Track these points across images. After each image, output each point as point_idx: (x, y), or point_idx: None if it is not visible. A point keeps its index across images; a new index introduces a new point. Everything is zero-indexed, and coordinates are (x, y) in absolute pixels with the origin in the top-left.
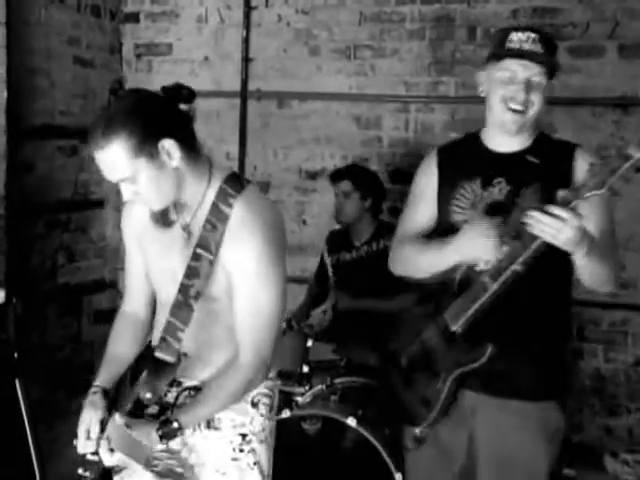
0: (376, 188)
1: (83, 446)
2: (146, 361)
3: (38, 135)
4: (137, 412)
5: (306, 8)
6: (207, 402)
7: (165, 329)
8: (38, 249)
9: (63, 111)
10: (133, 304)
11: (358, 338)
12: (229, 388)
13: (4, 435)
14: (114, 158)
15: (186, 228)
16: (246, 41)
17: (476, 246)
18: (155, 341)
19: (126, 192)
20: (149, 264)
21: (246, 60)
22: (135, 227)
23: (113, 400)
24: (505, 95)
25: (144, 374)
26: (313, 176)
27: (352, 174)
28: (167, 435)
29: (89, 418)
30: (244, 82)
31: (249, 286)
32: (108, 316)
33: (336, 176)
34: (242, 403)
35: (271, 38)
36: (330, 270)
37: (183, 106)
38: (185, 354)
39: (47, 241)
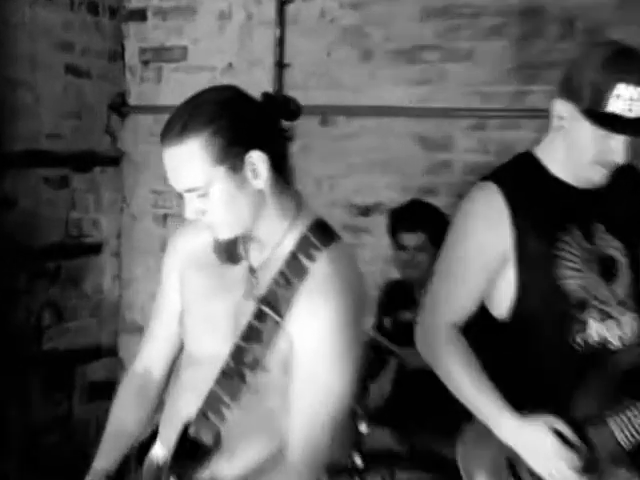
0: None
1: None
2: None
3: (20, 163)
4: None
5: (355, 0)
6: None
7: (207, 401)
8: (20, 306)
9: (51, 133)
10: (151, 358)
11: (424, 419)
12: None
13: None
14: (189, 159)
15: (253, 272)
16: (280, 43)
17: (540, 458)
18: (178, 410)
19: (190, 208)
20: (189, 306)
21: (280, 66)
22: (184, 255)
23: None
24: (601, 159)
25: (170, 455)
26: (365, 212)
27: (426, 224)
28: None
29: None
30: (278, 93)
31: (313, 364)
32: (106, 391)
33: (403, 226)
34: None
35: (311, 38)
36: (389, 329)
37: (284, 122)
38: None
39: (31, 296)
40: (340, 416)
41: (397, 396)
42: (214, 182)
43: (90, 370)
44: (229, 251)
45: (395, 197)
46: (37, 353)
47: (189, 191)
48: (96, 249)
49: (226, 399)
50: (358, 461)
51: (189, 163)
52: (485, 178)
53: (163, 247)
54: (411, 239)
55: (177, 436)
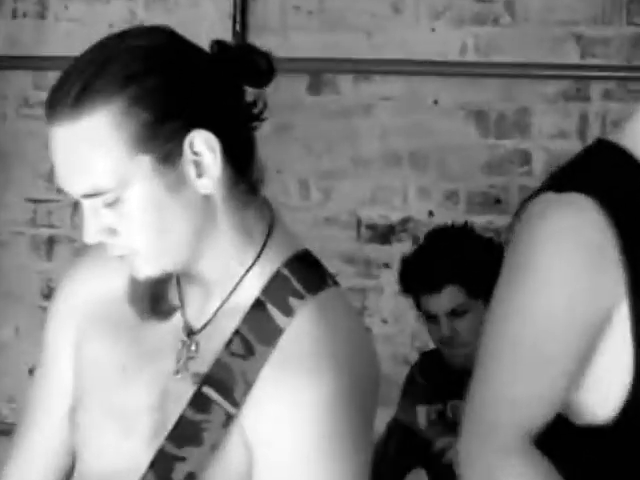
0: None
1: None
2: None
3: None
4: None
5: None
6: None
7: None
8: None
9: None
10: (24, 479)
11: None
12: None
13: None
14: (91, 143)
15: (192, 334)
16: None
17: None
18: None
19: (91, 224)
20: (85, 393)
21: None
22: (84, 307)
23: None
24: None
25: None
26: (384, 237)
27: (457, 271)
28: None
29: None
30: (240, 39)
31: None
32: None
33: (421, 286)
34: None
35: None
36: (424, 431)
37: (248, 89)
38: None
39: None
40: None
41: None
42: (132, 181)
43: None
44: (154, 299)
45: (434, 210)
46: None
47: (90, 196)
48: None
49: None
50: None
51: (91, 150)
52: (559, 186)
53: (48, 292)
54: (441, 302)
55: None
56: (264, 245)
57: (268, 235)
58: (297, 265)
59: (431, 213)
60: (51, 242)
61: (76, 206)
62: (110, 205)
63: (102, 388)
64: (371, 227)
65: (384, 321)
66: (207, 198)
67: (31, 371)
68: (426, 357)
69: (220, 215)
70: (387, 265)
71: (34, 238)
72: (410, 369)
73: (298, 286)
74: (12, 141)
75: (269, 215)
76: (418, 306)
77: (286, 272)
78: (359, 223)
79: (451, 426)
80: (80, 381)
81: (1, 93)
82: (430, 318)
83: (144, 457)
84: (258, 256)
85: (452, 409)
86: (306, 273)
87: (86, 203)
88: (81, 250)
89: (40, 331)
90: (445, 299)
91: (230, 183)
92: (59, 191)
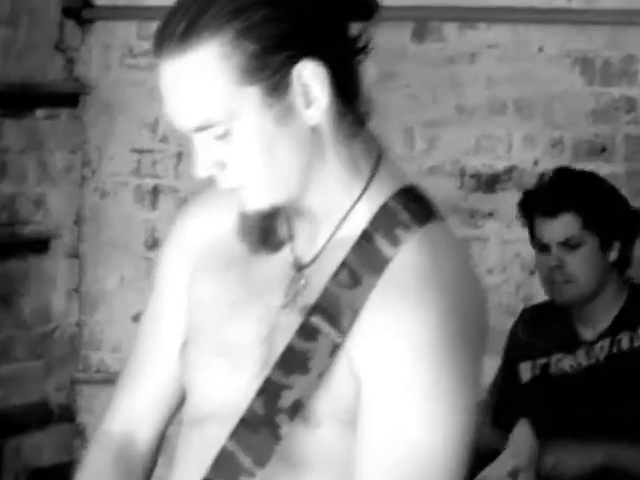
0: (625, 219)
1: None
2: None
3: None
4: None
5: None
6: None
7: (216, 466)
8: None
9: None
10: (135, 414)
11: None
12: None
13: None
14: (200, 75)
15: (301, 268)
16: None
17: None
18: None
19: (203, 158)
20: (196, 331)
21: None
22: (197, 249)
23: None
24: None
25: None
26: (489, 184)
27: (577, 198)
28: None
29: None
30: None
31: (396, 413)
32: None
33: (540, 208)
34: None
35: None
36: (525, 388)
37: (354, 23)
38: None
39: None
40: None
41: None
42: (241, 113)
43: (30, 446)
44: (264, 232)
45: (539, 159)
46: None
47: (200, 129)
48: (40, 246)
49: (247, 464)
50: None
51: (200, 82)
52: None
53: (151, 242)
54: (555, 229)
55: None
56: (371, 178)
57: (375, 168)
58: (404, 198)
59: (536, 162)
60: (155, 192)
61: (180, 156)
62: (220, 138)
63: (211, 325)
64: (475, 176)
65: (489, 271)
66: (315, 130)
67: (135, 319)
68: (528, 312)
69: (328, 147)
70: (491, 214)
71: (138, 188)
72: (511, 328)
73: (405, 217)
74: (116, 91)
75: (376, 149)
76: (532, 235)
77: (393, 204)
78: (463, 172)
79: (554, 382)
80: (191, 320)
81: (105, 43)
82: (542, 249)
83: (251, 390)
84: (365, 188)
85: (556, 363)
86: (413, 205)
87: (197, 137)
88: (185, 200)
89: (144, 281)
90: (560, 226)
91: (337, 115)
92: (164, 141)
